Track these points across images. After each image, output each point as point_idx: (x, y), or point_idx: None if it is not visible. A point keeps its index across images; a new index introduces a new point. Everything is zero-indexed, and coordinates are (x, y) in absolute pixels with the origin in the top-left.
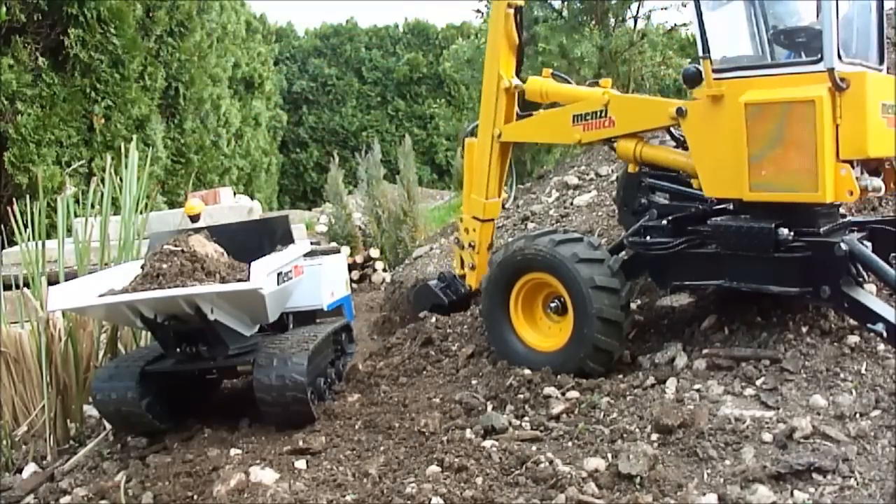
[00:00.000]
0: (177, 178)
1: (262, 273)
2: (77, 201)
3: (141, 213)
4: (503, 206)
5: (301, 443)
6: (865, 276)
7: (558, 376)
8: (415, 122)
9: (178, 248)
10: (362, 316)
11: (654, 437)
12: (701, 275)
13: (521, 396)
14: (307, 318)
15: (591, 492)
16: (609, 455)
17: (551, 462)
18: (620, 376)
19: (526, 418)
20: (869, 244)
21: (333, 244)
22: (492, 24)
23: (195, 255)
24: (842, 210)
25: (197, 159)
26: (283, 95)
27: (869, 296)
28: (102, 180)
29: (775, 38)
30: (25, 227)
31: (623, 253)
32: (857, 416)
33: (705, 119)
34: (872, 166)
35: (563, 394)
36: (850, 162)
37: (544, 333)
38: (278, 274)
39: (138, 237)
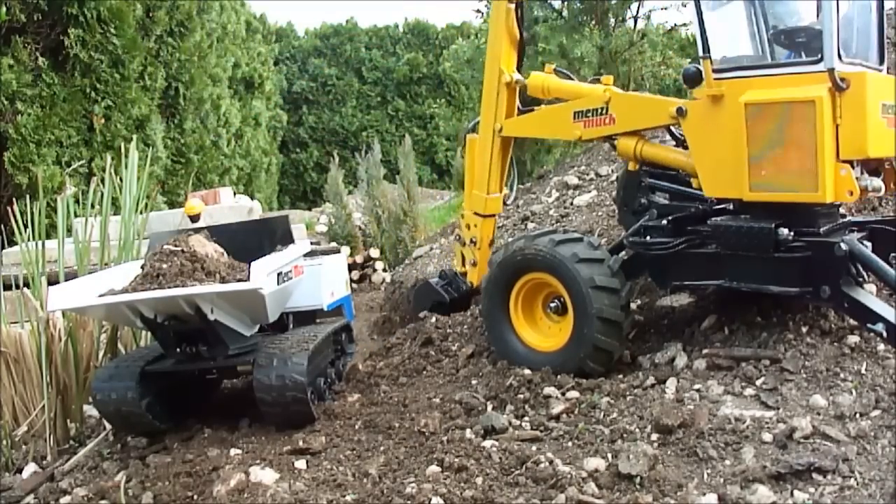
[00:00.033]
0: (177, 178)
1: (262, 273)
2: (77, 201)
3: (141, 213)
4: (504, 204)
5: (301, 443)
6: (865, 276)
7: (558, 376)
8: (415, 122)
9: (178, 248)
10: (362, 316)
11: (654, 437)
12: (701, 275)
13: (521, 396)
14: (307, 318)
15: (591, 492)
16: (609, 455)
17: (551, 462)
18: (620, 376)
19: (526, 418)
20: (869, 244)
21: (333, 244)
22: (492, 19)
23: (195, 255)
24: (842, 210)
25: (197, 159)
26: (283, 95)
27: (869, 296)
28: (102, 180)
29: (775, 38)
30: (25, 227)
31: (623, 253)
32: (857, 416)
33: (705, 119)
34: (872, 166)
35: (563, 394)
36: (850, 162)
37: (544, 333)
38: (278, 274)
39: (138, 237)
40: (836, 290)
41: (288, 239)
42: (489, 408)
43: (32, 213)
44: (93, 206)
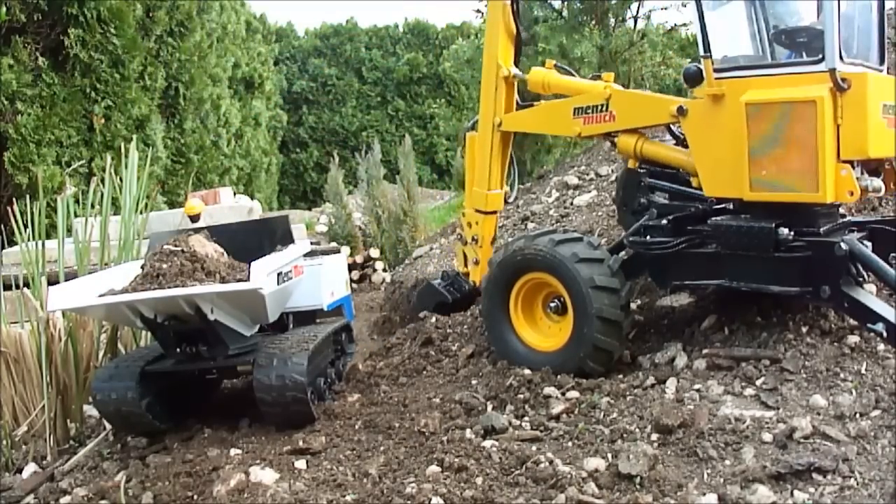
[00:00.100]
0: (177, 178)
1: (262, 273)
2: (77, 201)
3: (141, 213)
4: (506, 202)
5: (301, 443)
6: (865, 276)
7: (558, 376)
8: (415, 122)
9: (178, 248)
10: (362, 316)
11: (654, 437)
12: (701, 274)
13: (521, 396)
14: (307, 318)
15: (591, 492)
16: (609, 455)
17: (551, 462)
18: (620, 376)
19: (526, 418)
20: (869, 244)
21: (333, 244)
22: (489, 15)
23: (195, 255)
24: (841, 210)
25: (197, 159)
26: (283, 95)
27: (869, 296)
28: (102, 180)
29: (776, 38)
30: (25, 227)
31: (623, 253)
32: (857, 416)
33: (706, 118)
34: (872, 166)
35: (563, 394)
36: (851, 162)
37: (544, 333)
38: (278, 274)
39: (138, 237)
40: (836, 290)
41: (288, 239)
42: (489, 408)
43: (32, 213)
44: (93, 206)
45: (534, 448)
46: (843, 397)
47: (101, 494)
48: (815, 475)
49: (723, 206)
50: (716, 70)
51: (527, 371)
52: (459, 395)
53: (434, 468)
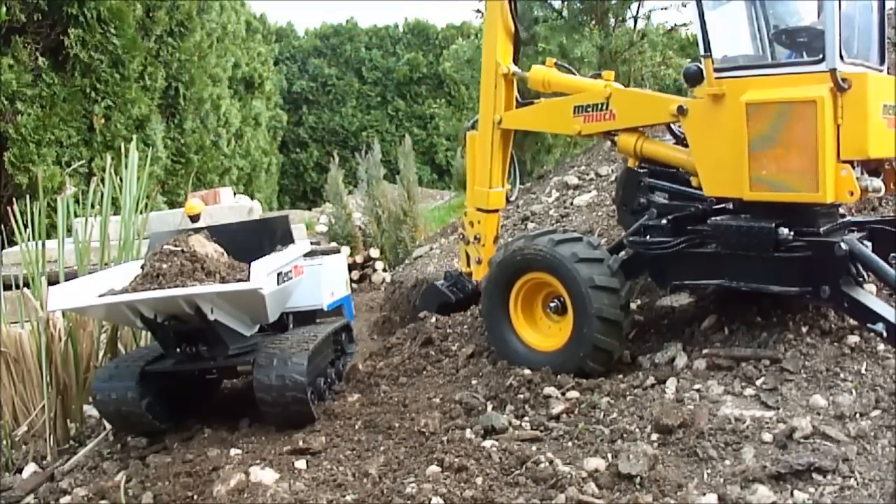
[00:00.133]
0: (177, 178)
1: (262, 273)
2: (77, 201)
3: (141, 213)
4: (507, 200)
5: (301, 443)
6: (865, 276)
7: (558, 376)
8: (415, 122)
9: (178, 248)
10: (362, 316)
11: (654, 437)
12: (701, 274)
13: (521, 396)
14: (307, 318)
15: (591, 492)
16: (609, 455)
17: (551, 462)
18: (620, 376)
19: (526, 418)
20: (869, 244)
21: (333, 244)
22: (487, 14)
23: (195, 255)
24: (841, 210)
25: (197, 159)
26: (283, 95)
27: (869, 296)
28: (102, 180)
29: (777, 38)
30: (25, 227)
31: (623, 252)
32: (857, 416)
33: (706, 118)
34: (872, 166)
35: (563, 394)
36: (851, 162)
37: (544, 333)
38: (278, 274)
39: (138, 237)
40: (836, 290)
41: (288, 239)
42: (489, 408)
43: (32, 213)
44: (93, 206)
45: (534, 448)
46: (843, 397)
47: (101, 494)
48: (815, 475)
49: (722, 205)
50: (716, 70)
51: (527, 371)
52: (459, 395)
53: (434, 468)
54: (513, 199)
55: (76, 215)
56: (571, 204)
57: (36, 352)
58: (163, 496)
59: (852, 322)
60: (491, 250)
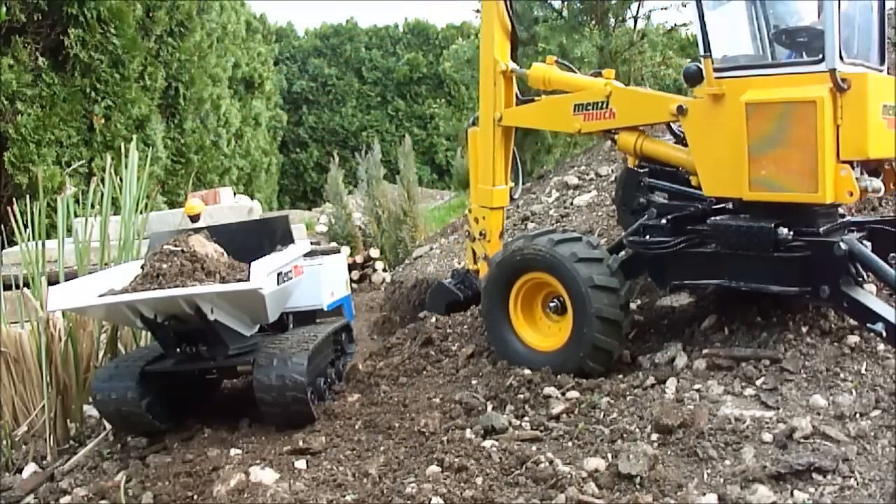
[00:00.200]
0: (177, 178)
1: (262, 273)
2: (77, 201)
3: (141, 213)
4: (511, 198)
5: (301, 443)
6: (865, 276)
7: (558, 376)
8: (415, 122)
9: (178, 248)
10: (362, 316)
11: (654, 437)
12: (700, 274)
13: (521, 396)
14: (307, 318)
15: (591, 492)
16: (609, 455)
17: (551, 462)
18: (620, 376)
19: (526, 418)
20: (868, 244)
21: (333, 244)
22: (483, 13)
23: (195, 255)
24: (841, 210)
25: (197, 159)
26: (283, 95)
27: (868, 295)
28: (102, 180)
29: (776, 38)
30: (25, 227)
31: (622, 252)
32: (857, 416)
33: (706, 118)
34: (872, 167)
35: (563, 394)
36: (850, 162)
37: (544, 333)
38: (278, 274)
39: (138, 237)
40: (836, 290)
41: (288, 239)
42: (489, 408)
43: (32, 213)
44: (93, 206)
45: (534, 448)
46: (843, 397)
47: (101, 494)
48: (815, 475)
49: (722, 205)
50: (716, 70)
51: (527, 371)
52: (459, 395)
53: (434, 468)
54: (517, 196)
55: (76, 215)
56: (571, 204)
57: (36, 352)
58: (163, 496)
59: (852, 322)
60: (497, 246)
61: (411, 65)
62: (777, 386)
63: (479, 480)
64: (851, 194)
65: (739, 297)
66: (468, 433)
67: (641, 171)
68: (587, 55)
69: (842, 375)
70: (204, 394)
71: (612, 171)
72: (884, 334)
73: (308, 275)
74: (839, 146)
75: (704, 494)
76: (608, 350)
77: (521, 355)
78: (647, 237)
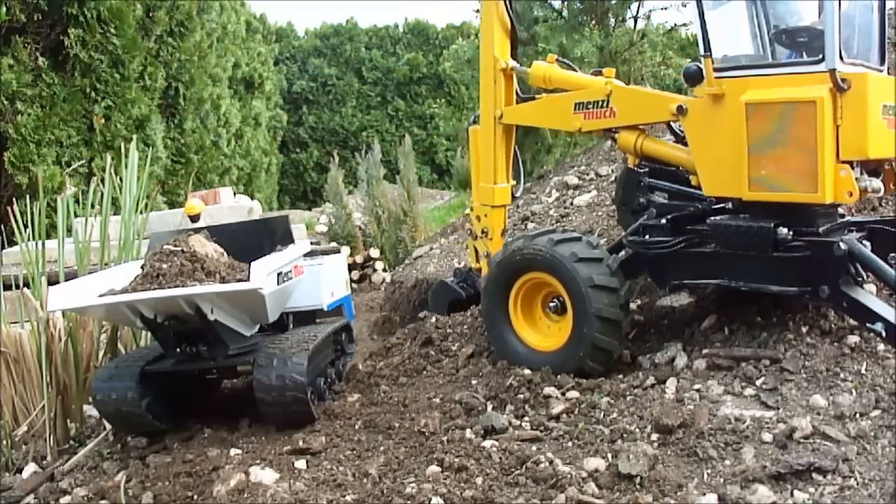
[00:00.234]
0: (177, 178)
1: (262, 273)
2: (77, 201)
3: (141, 213)
4: (513, 196)
5: (301, 443)
6: (865, 276)
7: (558, 376)
8: (415, 122)
9: (178, 248)
10: (362, 316)
11: (654, 437)
12: (700, 274)
13: (521, 396)
14: (307, 318)
15: (591, 492)
16: (609, 455)
17: (551, 462)
18: (620, 376)
19: (526, 418)
20: (868, 244)
21: (333, 244)
22: (483, 10)
23: (195, 255)
24: (841, 210)
25: (197, 159)
26: (283, 95)
27: (868, 295)
28: (102, 180)
29: (777, 38)
30: (25, 227)
31: (622, 252)
32: (857, 416)
33: (706, 117)
34: (872, 167)
35: (563, 394)
36: (850, 163)
37: (544, 333)
38: (278, 274)
39: (138, 237)
40: (836, 290)
41: (288, 239)
42: (489, 408)
43: (32, 213)
44: (93, 206)
45: (534, 448)
46: (843, 397)
47: (101, 494)
48: (815, 475)
49: (722, 205)
50: (716, 69)
51: (527, 371)
52: (459, 395)
53: (434, 468)
54: (518, 193)
55: (76, 215)
56: (571, 204)
57: (36, 352)
58: (163, 496)
59: (852, 322)
60: (499, 244)
61: (411, 65)
62: (777, 386)
63: (479, 480)
64: (851, 194)
65: (739, 297)
66: (468, 433)
67: (641, 170)
68: (587, 55)
69: (842, 375)
70: (204, 394)
71: (612, 171)
72: (883, 334)
73: (308, 275)
74: (839, 146)
75: (704, 494)
76: (608, 350)
77: (521, 355)
78: (647, 237)
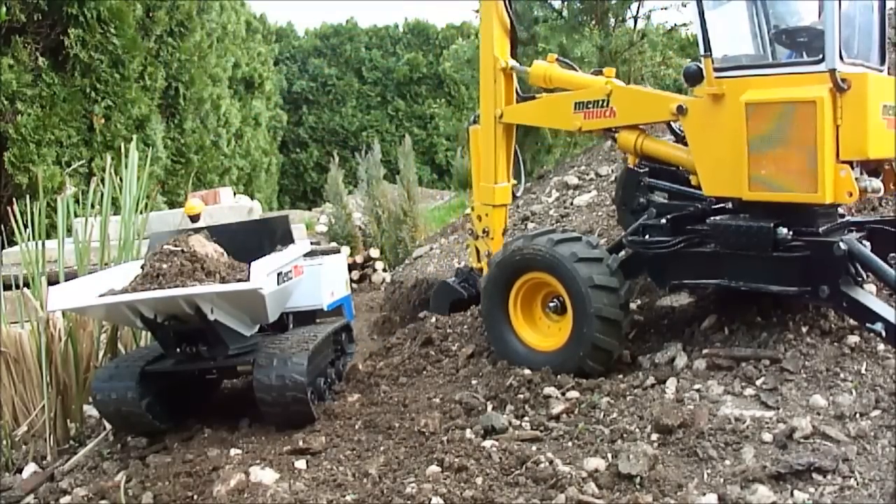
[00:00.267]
0: (177, 178)
1: (262, 273)
2: (77, 201)
3: (141, 213)
4: (514, 196)
5: (301, 443)
6: (864, 276)
7: (558, 376)
8: (415, 122)
9: (178, 248)
10: (362, 316)
11: (654, 437)
12: (700, 274)
13: (521, 396)
14: (307, 318)
15: (591, 492)
16: (609, 455)
17: (551, 462)
18: (620, 376)
19: (526, 418)
20: (868, 244)
21: (333, 244)
22: (483, 9)
23: (195, 255)
24: (841, 210)
25: (197, 159)
26: (283, 95)
27: (868, 295)
28: (102, 180)
29: (777, 38)
30: (25, 227)
31: (622, 252)
32: (857, 416)
33: (706, 117)
34: (872, 167)
35: (563, 394)
36: (850, 163)
37: (544, 333)
38: (278, 274)
39: (138, 237)
40: (835, 290)
41: (288, 239)
42: (489, 408)
43: (32, 213)
44: (93, 206)
45: (534, 448)
46: (843, 397)
47: (101, 494)
48: (815, 475)
49: (722, 205)
50: (716, 69)
51: (527, 371)
52: (459, 395)
53: (434, 468)
54: (519, 193)
55: (76, 215)
56: (571, 204)
57: (36, 352)
58: (163, 496)
59: (852, 322)
60: (500, 243)
61: (411, 65)
62: (777, 386)
63: (479, 480)
64: (851, 194)
65: (739, 297)
66: (468, 433)
67: (641, 170)
68: (587, 55)
69: (842, 375)
70: (204, 394)
71: (612, 171)
72: (883, 334)
73: (308, 275)
74: (839, 146)
75: (704, 494)
76: (608, 350)
77: (521, 355)
78: (647, 237)
